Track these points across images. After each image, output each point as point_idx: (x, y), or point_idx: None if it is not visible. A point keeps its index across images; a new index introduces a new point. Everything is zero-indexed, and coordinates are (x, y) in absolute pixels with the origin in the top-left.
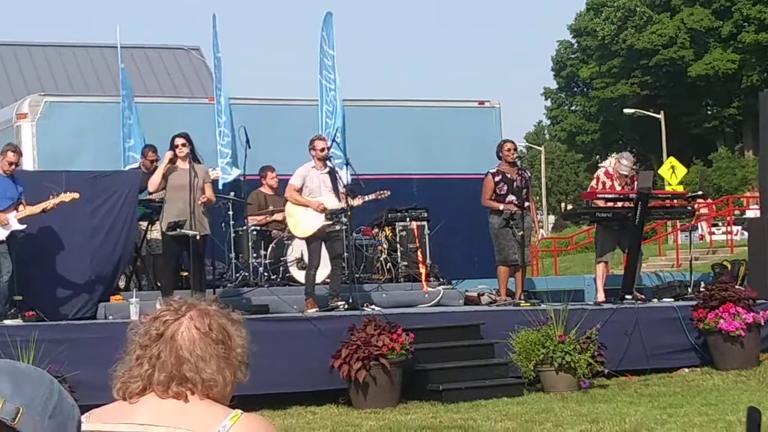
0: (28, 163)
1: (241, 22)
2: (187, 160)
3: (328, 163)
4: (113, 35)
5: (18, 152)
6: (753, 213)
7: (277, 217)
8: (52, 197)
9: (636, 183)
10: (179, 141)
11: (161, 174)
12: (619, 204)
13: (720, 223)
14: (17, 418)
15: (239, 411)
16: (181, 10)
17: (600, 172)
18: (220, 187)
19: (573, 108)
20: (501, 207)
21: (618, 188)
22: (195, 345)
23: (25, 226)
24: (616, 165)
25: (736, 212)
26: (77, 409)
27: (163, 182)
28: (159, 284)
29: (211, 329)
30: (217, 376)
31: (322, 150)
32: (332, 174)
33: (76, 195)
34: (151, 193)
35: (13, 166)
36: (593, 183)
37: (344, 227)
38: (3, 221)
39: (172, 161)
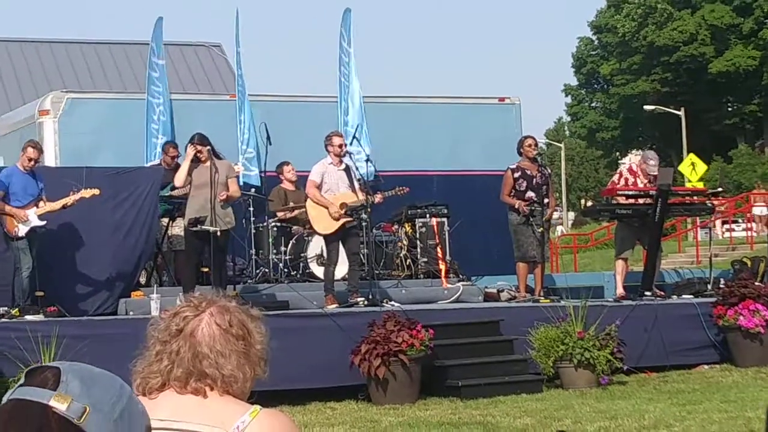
0: (50, 160)
1: (262, 18)
2: (208, 158)
3: (345, 159)
4: (135, 32)
5: (38, 148)
6: (759, 209)
7: (299, 212)
8: (73, 193)
9: (657, 180)
10: (191, 150)
11: (186, 169)
12: (640, 200)
13: (740, 220)
14: (83, 417)
15: (258, 406)
16: (203, 7)
17: (623, 168)
18: (241, 183)
19: (593, 105)
20: (517, 205)
21: (641, 186)
22: (215, 341)
23: (45, 222)
24: (643, 164)
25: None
26: (147, 416)
27: (189, 178)
28: (180, 280)
29: (231, 325)
30: (237, 372)
31: (340, 146)
32: (348, 170)
33: (96, 191)
34: (177, 188)
35: (33, 162)
36: (615, 178)
37: (364, 223)
38: (23, 217)
39: (196, 159)
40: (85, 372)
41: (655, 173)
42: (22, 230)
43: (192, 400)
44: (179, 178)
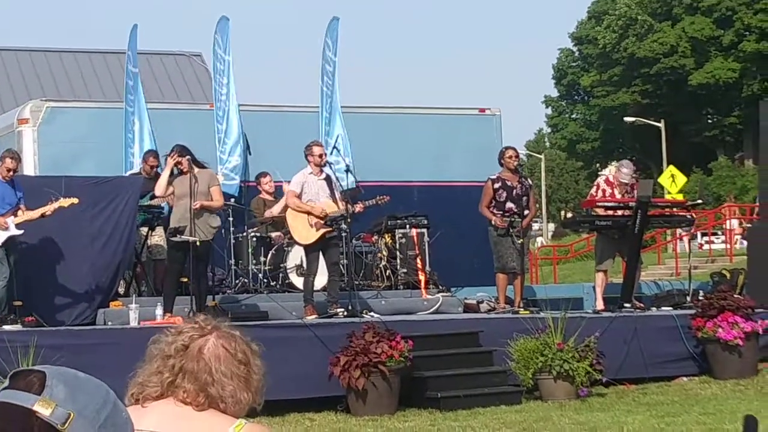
0: (29, 169)
1: (243, 27)
2: (188, 169)
3: (325, 169)
4: (114, 41)
5: (16, 158)
6: (735, 222)
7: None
8: (51, 202)
9: (636, 191)
10: (170, 161)
11: (166, 179)
12: (619, 212)
13: (719, 232)
14: (67, 423)
15: (242, 420)
16: (182, 16)
17: (600, 180)
18: None
19: (573, 116)
20: (493, 221)
21: (618, 196)
22: (221, 362)
23: (22, 231)
24: (617, 173)
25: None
26: (131, 424)
27: (170, 187)
28: (159, 290)
29: (236, 351)
30: (237, 395)
31: (320, 156)
32: (329, 180)
33: (74, 200)
34: (157, 197)
35: (11, 173)
36: (593, 191)
37: (344, 234)
38: (1, 225)
39: (177, 170)
40: (71, 377)
41: (626, 181)
42: None
43: (181, 412)
44: (159, 187)
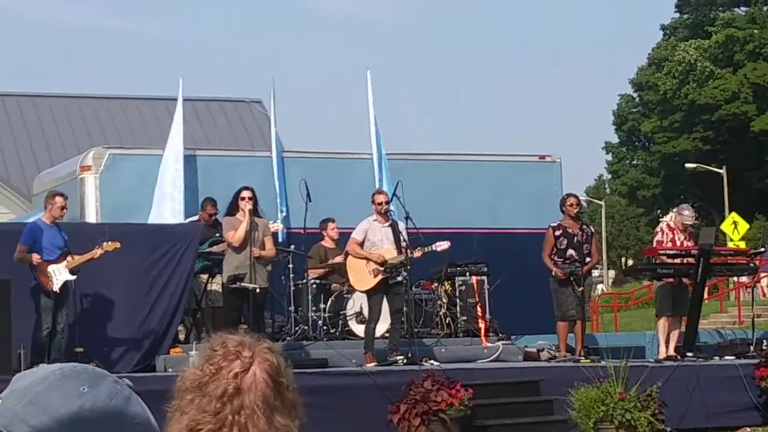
0: (92, 216)
1: (300, 75)
2: (248, 213)
3: (389, 216)
4: (177, 88)
5: (65, 196)
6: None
7: (337, 269)
8: (98, 247)
9: (698, 239)
10: (246, 194)
11: (245, 229)
12: (679, 260)
13: None
14: None
15: None
16: (243, 64)
17: (663, 225)
18: (279, 240)
19: (634, 162)
20: (554, 272)
21: (680, 240)
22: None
23: (75, 277)
24: (677, 217)
25: None
26: (80, 399)
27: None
28: None
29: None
30: (288, 423)
31: (379, 204)
32: (394, 227)
33: (117, 244)
34: (236, 248)
35: (65, 211)
36: (657, 237)
37: (405, 281)
38: (49, 276)
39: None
40: (22, 376)
41: (689, 222)
42: (56, 285)
43: None
44: (238, 237)
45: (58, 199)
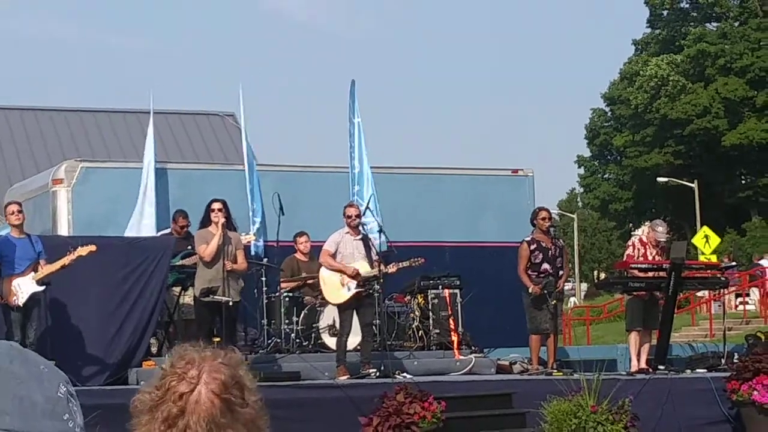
0: (64, 229)
1: (274, 87)
2: (220, 227)
3: (361, 229)
4: (149, 101)
5: (17, 202)
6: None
7: (310, 282)
8: (69, 253)
9: (669, 253)
10: (216, 206)
11: (217, 243)
12: (651, 273)
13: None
14: None
15: None
16: (216, 78)
17: (634, 239)
18: (252, 253)
19: (606, 176)
20: (531, 289)
21: (650, 256)
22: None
23: (44, 288)
24: (650, 233)
25: None
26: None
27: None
28: None
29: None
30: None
31: (350, 217)
32: (365, 241)
33: (92, 248)
34: (208, 262)
35: (21, 215)
36: (628, 251)
37: (377, 294)
38: (12, 293)
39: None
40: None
41: (663, 239)
42: (21, 299)
43: None
44: (210, 252)
45: (9, 208)
